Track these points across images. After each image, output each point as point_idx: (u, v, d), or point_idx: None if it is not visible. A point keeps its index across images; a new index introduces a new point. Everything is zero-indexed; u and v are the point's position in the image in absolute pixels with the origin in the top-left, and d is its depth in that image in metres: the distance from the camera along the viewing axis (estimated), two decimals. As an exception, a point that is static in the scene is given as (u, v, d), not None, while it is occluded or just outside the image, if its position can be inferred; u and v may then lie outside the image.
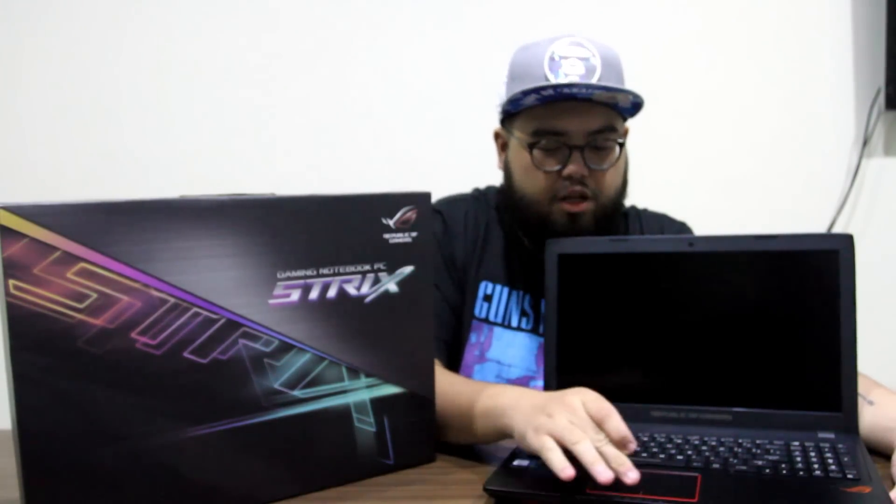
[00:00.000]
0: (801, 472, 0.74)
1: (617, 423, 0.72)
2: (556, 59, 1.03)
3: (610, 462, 0.70)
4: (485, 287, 1.13)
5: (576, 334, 0.94)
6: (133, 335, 0.70)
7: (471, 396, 0.87)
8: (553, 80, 1.01)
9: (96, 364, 0.69)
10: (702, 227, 1.20)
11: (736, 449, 0.80)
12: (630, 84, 1.08)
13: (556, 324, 0.94)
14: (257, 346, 0.76)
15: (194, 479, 0.74)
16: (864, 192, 1.63)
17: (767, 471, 0.75)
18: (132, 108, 1.69)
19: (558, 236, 1.00)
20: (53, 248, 0.67)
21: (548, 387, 0.94)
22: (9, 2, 1.67)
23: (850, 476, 0.72)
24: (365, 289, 0.82)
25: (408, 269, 0.85)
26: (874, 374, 0.92)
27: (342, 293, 0.81)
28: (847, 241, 0.86)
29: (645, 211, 1.21)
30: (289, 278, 0.78)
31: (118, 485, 0.70)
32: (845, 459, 0.76)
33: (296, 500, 0.79)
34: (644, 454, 0.80)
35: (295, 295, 0.78)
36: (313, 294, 0.79)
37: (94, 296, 0.68)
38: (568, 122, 1.03)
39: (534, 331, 1.12)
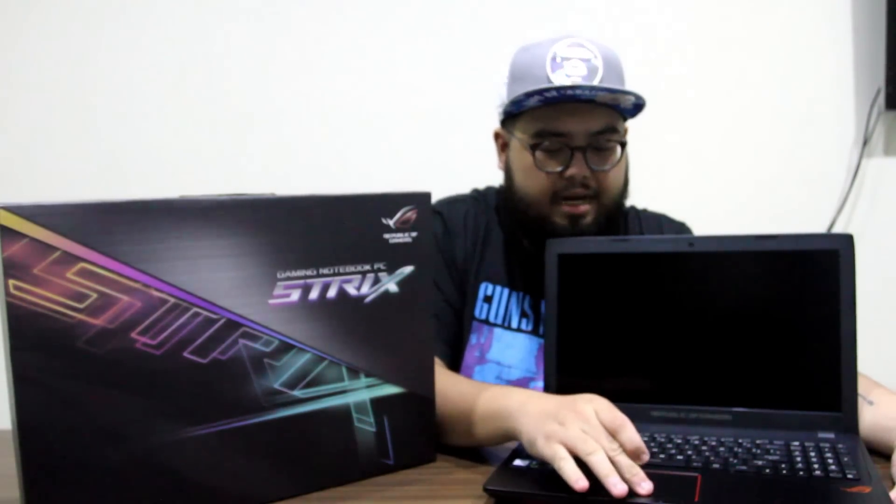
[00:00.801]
0: (801, 472, 0.74)
1: (631, 433, 0.72)
2: (558, 61, 1.03)
3: (623, 473, 0.69)
4: (485, 288, 1.13)
5: (576, 334, 0.94)
6: (133, 335, 0.70)
7: (474, 398, 0.87)
8: (555, 82, 1.01)
9: (96, 364, 0.69)
10: (702, 227, 1.20)
11: (736, 449, 0.80)
12: (630, 84, 1.08)
13: (556, 324, 0.94)
14: (257, 346, 0.76)
15: (194, 479, 0.74)
16: (864, 192, 1.63)
17: (767, 471, 0.75)
18: (132, 108, 1.69)
19: (559, 237, 1.00)
20: (53, 248, 0.67)
21: (548, 387, 0.94)
22: (8, 2, 1.67)
23: (850, 476, 0.72)
24: (365, 289, 0.82)
25: (408, 269, 0.85)
26: (874, 374, 0.92)
27: (342, 293, 0.81)
28: (847, 241, 0.86)
29: (644, 211, 1.21)
30: (289, 278, 0.78)
31: (118, 484, 0.70)
32: (845, 459, 0.76)
33: (296, 500, 0.79)
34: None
35: (295, 295, 0.78)
36: (313, 294, 0.79)
37: (94, 296, 0.68)
38: (570, 124, 1.03)
39: (534, 332, 1.12)
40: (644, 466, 0.76)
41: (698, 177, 1.65)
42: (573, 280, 0.94)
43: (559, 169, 1.04)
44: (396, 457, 0.86)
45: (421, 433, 0.87)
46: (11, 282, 0.65)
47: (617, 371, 0.92)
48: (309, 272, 0.79)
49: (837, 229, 1.62)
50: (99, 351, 0.69)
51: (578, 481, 0.69)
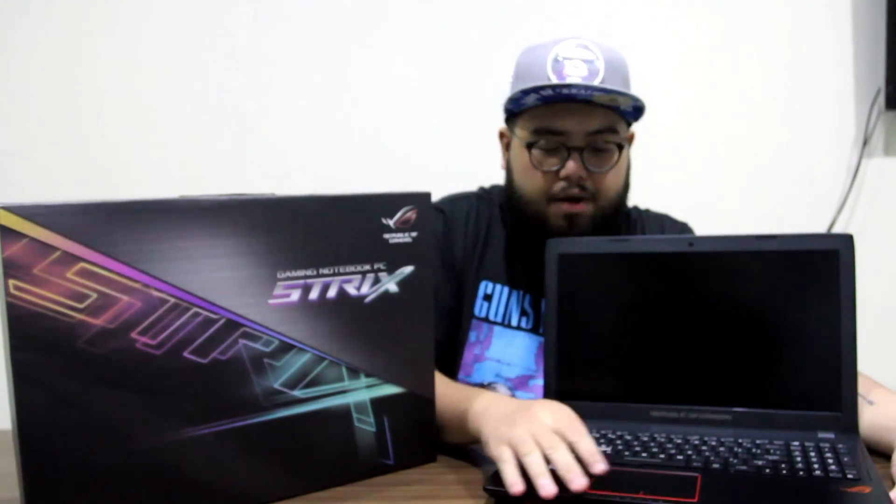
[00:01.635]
0: (801, 472, 0.74)
1: (587, 444, 0.73)
2: (560, 61, 1.03)
3: (559, 469, 0.70)
4: (485, 286, 1.13)
5: (576, 334, 0.94)
6: (133, 335, 0.70)
7: (451, 399, 0.89)
8: (555, 81, 1.02)
9: (96, 364, 0.69)
10: (702, 227, 1.20)
11: (736, 449, 0.80)
12: (632, 84, 1.08)
13: (556, 324, 0.94)
14: (257, 346, 0.76)
15: (194, 479, 0.74)
16: (864, 192, 1.63)
17: (767, 471, 0.75)
18: (132, 107, 1.69)
19: (555, 236, 1.00)
20: (53, 248, 0.67)
21: (548, 387, 0.94)
22: (8, 1, 1.67)
23: (850, 476, 0.72)
24: (365, 289, 0.82)
25: (408, 269, 0.85)
26: (874, 374, 0.92)
27: (342, 293, 0.81)
28: (847, 241, 0.86)
29: (647, 212, 1.21)
30: (289, 278, 0.78)
31: (118, 485, 0.70)
32: (845, 459, 0.76)
33: (296, 500, 0.79)
34: (644, 454, 0.80)
35: (295, 295, 0.78)
36: (313, 294, 0.79)
37: (94, 296, 0.68)
38: (567, 123, 1.03)
39: (534, 330, 1.12)
40: (644, 466, 0.76)
41: (698, 177, 1.65)
42: (573, 280, 0.94)
43: (555, 168, 1.04)
44: (396, 457, 0.86)
45: (421, 433, 0.87)
46: (11, 282, 0.65)
47: (617, 371, 0.92)
48: (309, 272, 0.79)
49: (837, 229, 1.62)
50: (99, 351, 0.69)
51: (513, 486, 0.70)
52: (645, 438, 0.84)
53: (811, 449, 0.79)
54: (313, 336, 0.79)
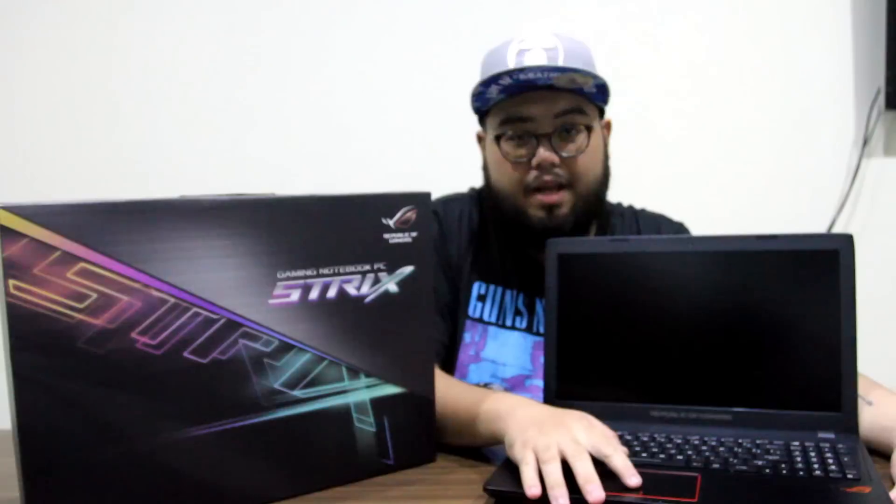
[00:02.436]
0: (801, 472, 0.74)
1: (620, 460, 0.73)
2: (520, 52, 1.03)
3: (578, 478, 0.70)
4: (478, 287, 1.13)
5: (576, 334, 0.94)
6: (133, 335, 0.70)
7: (469, 400, 0.88)
8: (511, 68, 1.01)
9: (96, 364, 0.69)
10: (702, 227, 1.20)
11: (736, 449, 0.80)
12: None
13: (556, 324, 0.94)
14: (257, 346, 0.76)
15: (194, 479, 0.74)
16: (864, 192, 1.63)
17: (767, 471, 0.75)
18: (132, 107, 1.69)
19: (537, 230, 1.00)
20: (53, 248, 0.67)
21: (547, 387, 0.94)
22: (9, 2, 1.67)
23: (850, 476, 0.72)
24: (365, 289, 0.82)
25: (408, 269, 0.85)
26: (874, 374, 0.92)
27: (342, 293, 0.81)
28: (847, 241, 0.86)
29: (643, 211, 1.20)
30: (289, 278, 0.78)
31: (118, 485, 0.70)
32: (845, 459, 0.76)
33: (296, 500, 0.79)
34: (644, 454, 0.80)
35: (295, 295, 0.78)
36: (313, 294, 0.79)
37: (94, 296, 0.68)
38: (531, 108, 1.03)
39: (528, 329, 1.12)
40: (644, 466, 0.76)
41: (698, 177, 1.65)
42: (573, 280, 0.94)
43: (526, 158, 1.04)
44: (396, 457, 0.86)
45: (421, 433, 0.87)
46: (11, 282, 0.65)
47: (617, 371, 0.92)
48: (309, 272, 0.79)
49: (837, 229, 1.62)
50: (99, 351, 0.69)
51: (531, 488, 0.70)
52: (645, 438, 0.84)
53: (811, 449, 0.79)
54: (313, 336, 0.79)
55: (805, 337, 0.87)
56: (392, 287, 0.84)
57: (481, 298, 1.13)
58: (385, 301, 0.83)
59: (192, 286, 0.73)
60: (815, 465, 0.75)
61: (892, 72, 1.54)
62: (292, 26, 1.68)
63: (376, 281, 0.83)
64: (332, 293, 0.80)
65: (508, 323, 1.12)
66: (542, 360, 1.09)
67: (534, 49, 1.03)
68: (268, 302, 0.77)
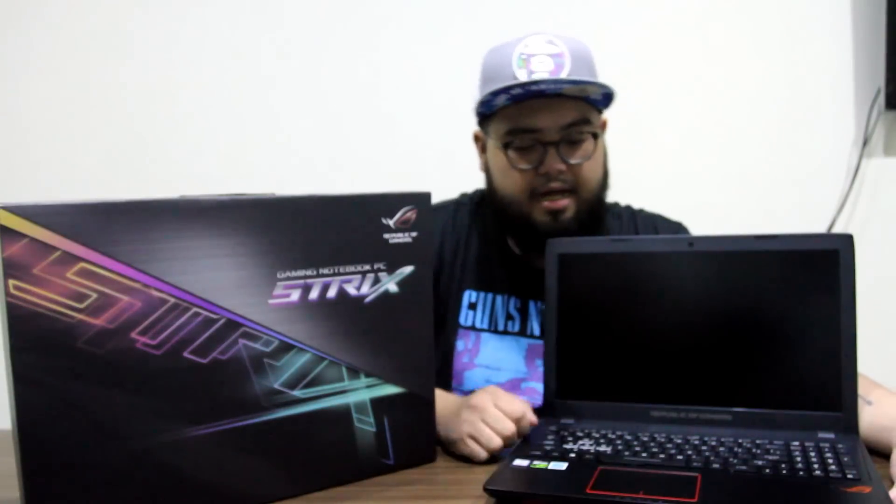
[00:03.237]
0: (801, 472, 0.74)
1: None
2: (525, 57, 1.02)
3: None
4: (468, 296, 1.13)
5: (576, 334, 0.94)
6: (133, 335, 0.70)
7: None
8: (521, 79, 1.01)
9: (96, 364, 0.69)
10: (702, 227, 1.19)
11: (736, 449, 0.80)
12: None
13: (556, 324, 0.94)
14: (257, 346, 0.76)
15: (194, 479, 0.74)
16: (864, 192, 1.63)
17: (767, 471, 0.75)
18: (132, 107, 1.69)
19: (542, 235, 1.00)
20: (53, 248, 0.67)
21: (548, 387, 0.94)
22: (9, 1, 1.67)
23: (850, 476, 0.72)
24: (365, 289, 0.82)
25: (408, 269, 0.85)
26: (874, 374, 0.92)
27: (342, 293, 0.81)
28: (847, 241, 0.86)
29: (641, 211, 1.20)
30: (289, 278, 0.78)
31: (118, 485, 0.71)
32: (845, 459, 0.76)
33: (296, 500, 0.79)
34: (644, 454, 0.80)
35: (295, 295, 0.78)
36: (313, 294, 0.79)
37: (94, 296, 0.68)
38: (540, 119, 1.02)
39: (521, 333, 1.12)
40: (644, 466, 0.76)
41: (698, 177, 1.65)
42: (573, 280, 0.94)
43: (533, 165, 1.04)
44: (396, 457, 0.86)
45: (421, 433, 0.87)
46: (11, 282, 0.65)
47: (617, 371, 0.92)
48: (309, 272, 0.79)
49: (837, 229, 1.62)
50: (99, 351, 0.69)
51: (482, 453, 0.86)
52: (645, 438, 0.84)
53: (811, 449, 0.79)
54: (313, 336, 0.79)
55: (805, 337, 0.87)
56: (392, 287, 0.84)
57: (472, 307, 1.12)
58: (385, 301, 0.83)
59: (192, 286, 0.73)
60: (815, 466, 0.75)
61: (892, 72, 1.54)
62: (292, 26, 1.68)
63: (376, 281, 0.83)
64: (332, 293, 0.80)
65: (501, 328, 1.12)
66: (536, 362, 1.09)
67: (539, 55, 1.02)
68: (268, 302, 0.77)
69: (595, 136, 1.05)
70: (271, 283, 0.77)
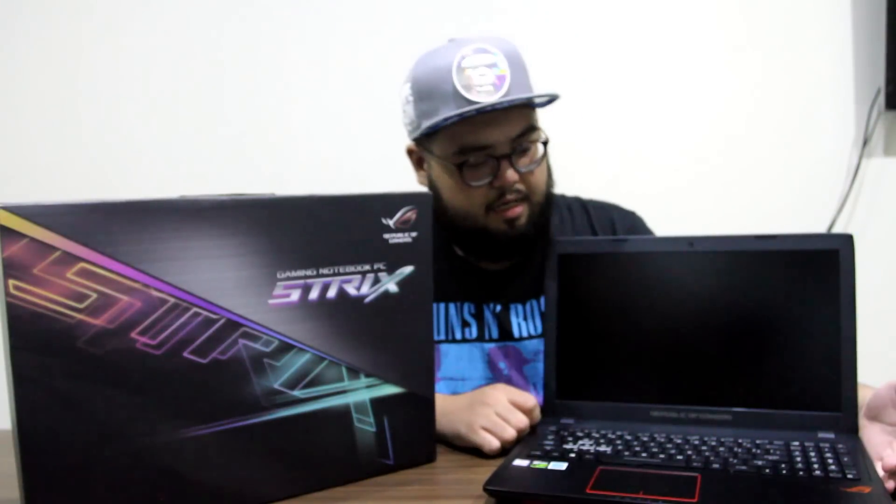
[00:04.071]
0: (801, 472, 0.74)
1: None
2: (465, 72, 0.98)
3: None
4: None
5: (576, 334, 0.94)
6: (133, 335, 0.70)
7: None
8: (465, 95, 0.97)
9: (96, 364, 0.69)
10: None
11: (736, 449, 0.80)
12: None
13: (556, 324, 0.94)
14: (257, 346, 0.76)
15: (194, 479, 0.74)
16: (864, 192, 1.63)
17: (767, 471, 0.75)
18: (132, 107, 1.69)
19: (497, 243, 1.01)
20: (53, 248, 0.67)
21: (548, 387, 0.94)
22: (10, 1, 1.67)
23: (849, 476, 0.72)
24: (365, 289, 0.82)
25: (408, 269, 0.85)
26: (874, 374, 0.92)
27: (342, 293, 0.81)
28: (847, 241, 0.86)
29: (591, 202, 1.17)
30: (289, 278, 0.78)
31: (118, 485, 0.71)
32: (845, 459, 0.76)
33: (296, 500, 0.79)
34: (644, 454, 0.80)
35: (295, 295, 0.78)
36: (313, 294, 0.79)
37: (94, 296, 0.68)
38: (490, 135, 0.99)
39: (479, 338, 1.11)
40: (644, 466, 0.76)
41: (698, 177, 1.65)
42: (573, 280, 0.94)
43: (487, 181, 1.01)
44: (396, 457, 0.86)
45: (421, 433, 0.88)
46: (11, 282, 0.65)
47: (617, 371, 0.92)
48: (309, 272, 0.79)
49: (837, 229, 1.62)
50: (99, 351, 0.69)
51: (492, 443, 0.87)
52: (645, 438, 0.84)
53: (811, 449, 0.79)
54: (313, 336, 0.79)
55: (805, 337, 0.87)
56: (392, 287, 0.84)
57: None
58: (385, 301, 0.83)
59: (192, 286, 0.73)
60: (815, 466, 0.75)
61: (892, 72, 1.54)
62: (293, 26, 1.68)
63: (376, 281, 0.83)
64: (331, 293, 0.80)
65: (458, 336, 1.10)
66: (500, 365, 1.08)
67: (478, 68, 0.98)
68: (268, 302, 0.77)
69: (544, 143, 1.03)
70: (271, 283, 0.77)
